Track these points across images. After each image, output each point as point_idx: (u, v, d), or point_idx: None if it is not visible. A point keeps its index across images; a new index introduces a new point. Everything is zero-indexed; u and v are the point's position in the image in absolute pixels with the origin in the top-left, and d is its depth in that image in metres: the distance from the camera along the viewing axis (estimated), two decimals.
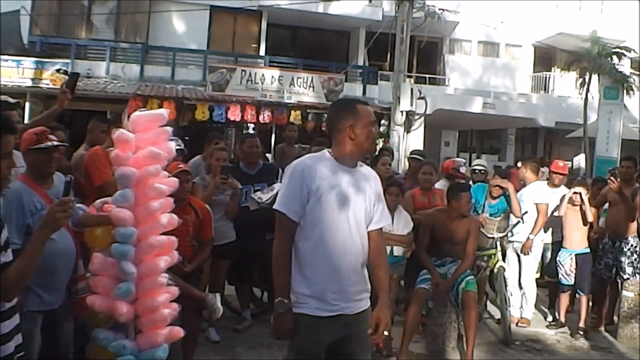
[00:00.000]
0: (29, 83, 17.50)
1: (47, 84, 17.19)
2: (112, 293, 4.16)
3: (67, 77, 5.62)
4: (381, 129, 17.95)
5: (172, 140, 4.48)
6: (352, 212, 3.33)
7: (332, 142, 3.46)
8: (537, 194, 7.84)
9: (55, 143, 4.05)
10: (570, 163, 16.25)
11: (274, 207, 3.36)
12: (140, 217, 4.17)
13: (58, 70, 17.43)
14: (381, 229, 3.57)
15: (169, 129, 4.44)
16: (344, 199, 3.30)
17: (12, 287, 2.55)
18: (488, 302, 8.00)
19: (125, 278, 4.15)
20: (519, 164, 8.45)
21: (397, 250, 6.38)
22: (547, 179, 8.32)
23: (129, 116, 4.67)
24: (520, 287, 7.87)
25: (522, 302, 7.86)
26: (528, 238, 7.61)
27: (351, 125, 3.34)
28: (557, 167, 8.15)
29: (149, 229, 4.14)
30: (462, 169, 8.60)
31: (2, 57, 17.42)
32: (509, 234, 7.59)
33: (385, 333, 3.60)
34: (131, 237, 4.14)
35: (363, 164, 3.59)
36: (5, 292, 2.55)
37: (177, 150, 4.91)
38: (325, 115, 17.56)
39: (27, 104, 16.76)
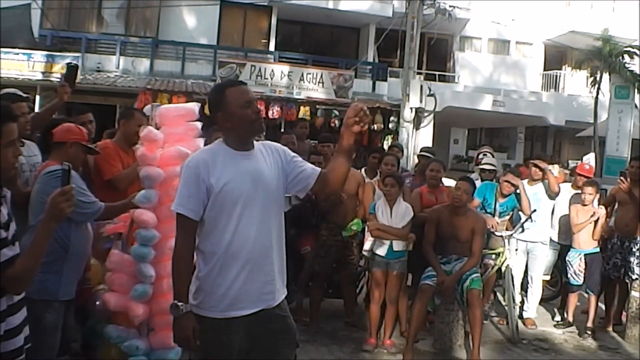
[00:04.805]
0: (40, 76, 17.58)
1: (58, 78, 17.22)
2: (128, 291, 4.17)
3: (65, 71, 5.62)
4: (390, 125, 17.94)
5: (201, 137, 4.45)
6: (260, 198, 3.15)
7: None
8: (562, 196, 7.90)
9: (91, 146, 4.23)
10: (580, 162, 16.17)
11: (171, 208, 3.17)
12: (161, 216, 4.16)
13: (68, 64, 17.44)
14: (320, 171, 3.38)
15: (198, 124, 4.41)
16: (247, 187, 3.12)
17: (19, 280, 2.54)
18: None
19: (143, 280, 4.16)
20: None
21: (397, 245, 6.35)
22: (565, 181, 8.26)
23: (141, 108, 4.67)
24: (526, 287, 7.86)
25: (525, 302, 7.85)
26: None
27: (222, 113, 3.17)
28: (584, 170, 8.12)
29: (169, 230, 4.07)
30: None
31: (13, 50, 17.50)
32: (518, 231, 7.54)
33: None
34: (152, 240, 4.15)
35: (261, 139, 3.37)
36: (13, 285, 2.56)
37: None
38: (335, 112, 17.70)
39: (38, 97, 16.81)
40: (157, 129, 4.39)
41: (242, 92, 3.22)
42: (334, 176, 3.34)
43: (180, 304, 3.05)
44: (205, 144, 4.57)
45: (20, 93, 5.21)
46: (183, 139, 4.32)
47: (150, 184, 4.17)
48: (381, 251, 6.35)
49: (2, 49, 17.21)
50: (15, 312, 2.68)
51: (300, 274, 6.97)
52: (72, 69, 5.46)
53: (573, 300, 7.80)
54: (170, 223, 4.04)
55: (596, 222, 7.48)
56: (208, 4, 21.76)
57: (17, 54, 17.62)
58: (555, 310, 8.35)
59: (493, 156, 8.57)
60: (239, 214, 3.11)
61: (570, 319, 7.78)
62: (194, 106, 4.47)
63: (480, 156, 8.58)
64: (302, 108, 17.77)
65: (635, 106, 19.51)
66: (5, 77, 16.61)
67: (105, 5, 21.83)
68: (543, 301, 8.27)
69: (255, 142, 3.30)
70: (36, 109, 14.95)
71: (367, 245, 6.50)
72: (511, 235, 7.31)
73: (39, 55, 17.88)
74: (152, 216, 4.14)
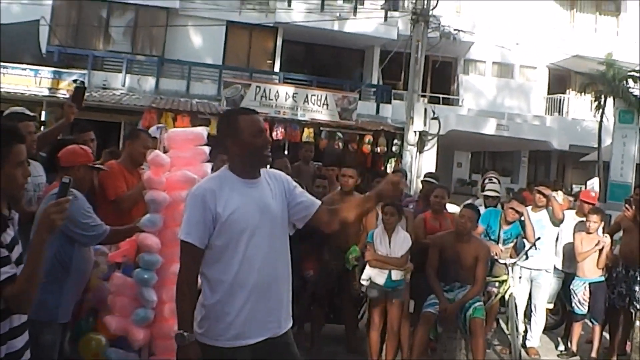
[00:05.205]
0: (46, 92, 17.64)
1: (64, 94, 17.28)
2: (129, 315, 4.15)
3: (73, 91, 5.64)
4: (394, 148, 17.96)
5: (208, 162, 4.45)
6: (266, 227, 3.16)
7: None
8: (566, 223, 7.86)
9: (103, 167, 4.38)
10: (584, 187, 16.12)
11: (178, 236, 3.16)
12: (166, 240, 4.15)
13: (75, 81, 17.54)
14: (320, 204, 3.40)
15: (206, 149, 4.41)
16: (253, 215, 3.13)
17: (21, 296, 2.54)
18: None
19: (144, 304, 4.14)
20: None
21: (396, 275, 6.31)
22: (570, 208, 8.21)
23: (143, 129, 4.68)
24: (529, 316, 7.81)
25: (529, 331, 7.80)
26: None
27: (232, 140, 3.20)
28: (588, 197, 8.08)
29: (173, 254, 4.04)
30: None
31: (20, 65, 17.60)
32: (522, 258, 7.49)
33: None
34: (156, 265, 4.13)
35: (266, 167, 3.40)
36: (17, 302, 2.56)
37: None
38: (339, 134, 17.72)
39: (44, 113, 16.86)
40: (165, 152, 4.40)
41: (254, 121, 3.25)
42: (341, 217, 3.38)
43: (185, 333, 3.05)
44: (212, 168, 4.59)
45: (27, 112, 5.23)
46: (191, 163, 4.32)
47: (156, 208, 4.16)
48: (380, 280, 6.32)
49: (10, 64, 17.33)
50: (17, 335, 2.69)
51: (303, 298, 6.93)
52: (79, 90, 5.47)
53: (577, 329, 7.72)
54: (174, 247, 4.02)
55: (601, 250, 7.45)
56: (214, 24, 21.92)
57: (25, 69, 17.71)
58: (559, 339, 8.27)
59: (499, 182, 8.52)
60: (245, 243, 3.11)
61: (574, 348, 7.70)
62: (203, 131, 4.47)
63: (486, 182, 8.55)
64: (306, 129, 17.79)
65: None
66: (12, 93, 16.73)
67: (112, 23, 22.03)
68: (546, 330, 8.20)
69: (260, 170, 3.32)
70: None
71: (365, 275, 6.46)
72: (515, 262, 7.27)
73: (46, 72, 17.96)
74: (156, 241, 4.13)
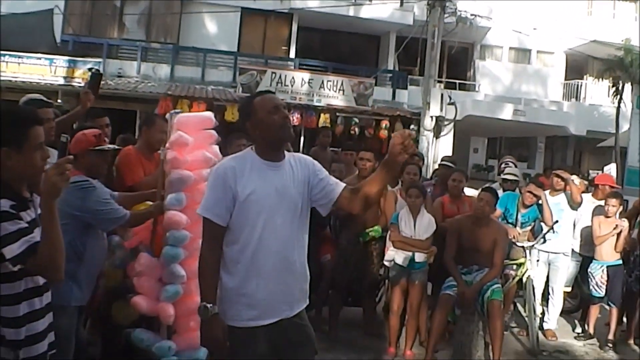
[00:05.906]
0: (61, 81, 17.78)
1: (79, 83, 17.39)
2: (157, 295, 4.18)
3: (89, 78, 5.62)
4: None
5: (216, 144, 4.50)
6: (283, 211, 3.16)
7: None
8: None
9: (112, 147, 4.22)
10: (601, 172, 15.97)
11: (197, 211, 3.21)
12: (190, 218, 4.20)
13: (90, 69, 17.59)
14: (345, 186, 3.35)
15: (214, 132, 4.45)
16: (271, 198, 3.13)
17: (46, 263, 2.52)
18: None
19: (174, 281, 4.18)
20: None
21: (419, 257, 6.33)
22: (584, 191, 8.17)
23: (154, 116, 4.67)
24: (547, 299, 7.79)
25: (546, 313, 7.78)
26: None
27: (250, 122, 3.21)
28: (609, 180, 8.04)
29: (195, 232, 4.10)
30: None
31: (36, 55, 17.71)
32: (540, 242, 7.46)
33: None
34: (184, 241, 4.17)
35: (289, 150, 3.40)
36: (45, 270, 2.57)
37: None
38: (355, 119, 17.68)
39: (60, 102, 16.95)
40: None
41: (269, 99, 3.25)
42: (364, 194, 3.28)
43: (209, 305, 3.07)
44: (221, 151, 4.62)
45: (44, 99, 5.24)
46: (201, 146, 4.37)
47: (180, 186, 4.20)
48: (403, 261, 6.32)
49: (25, 54, 17.44)
50: (39, 318, 2.70)
51: (320, 283, 6.93)
52: (96, 77, 5.45)
53: (594, 312, 7.70)
54: (196, 226, 4.01)
55: (619, 234, 7.40)
56: (229, 10, 21.88)
57: (40, 58, 17.85)
58: (576, 322, 8.26)
59: (516, 166, 8.48)
60: (262, 225, 3.11)
61: (591, 331, 7.68)
62: (210, 114, 4.55)
63: (503, 165, 8.51)
64: (322, 115, 17.78)
65: None
66: (27, 82, 16.83)
67: (126, 11, 22.08)
68: (563, 313, 8.19)
69: (286, 152, 3.31)
70: None
71: (388, 256, 6.48)
72: (532, 246, 7.24)
73: (61, 61, 18.09)
74: (185, 217, 4.18)
